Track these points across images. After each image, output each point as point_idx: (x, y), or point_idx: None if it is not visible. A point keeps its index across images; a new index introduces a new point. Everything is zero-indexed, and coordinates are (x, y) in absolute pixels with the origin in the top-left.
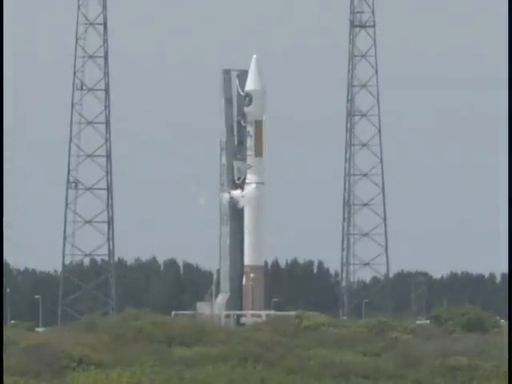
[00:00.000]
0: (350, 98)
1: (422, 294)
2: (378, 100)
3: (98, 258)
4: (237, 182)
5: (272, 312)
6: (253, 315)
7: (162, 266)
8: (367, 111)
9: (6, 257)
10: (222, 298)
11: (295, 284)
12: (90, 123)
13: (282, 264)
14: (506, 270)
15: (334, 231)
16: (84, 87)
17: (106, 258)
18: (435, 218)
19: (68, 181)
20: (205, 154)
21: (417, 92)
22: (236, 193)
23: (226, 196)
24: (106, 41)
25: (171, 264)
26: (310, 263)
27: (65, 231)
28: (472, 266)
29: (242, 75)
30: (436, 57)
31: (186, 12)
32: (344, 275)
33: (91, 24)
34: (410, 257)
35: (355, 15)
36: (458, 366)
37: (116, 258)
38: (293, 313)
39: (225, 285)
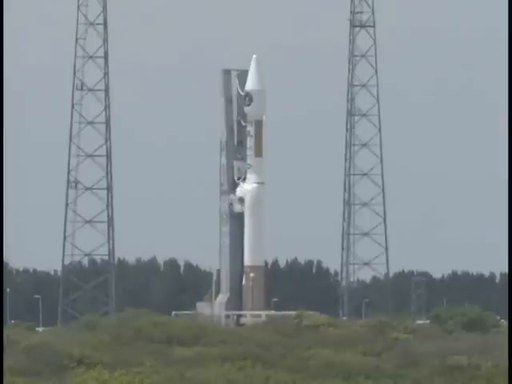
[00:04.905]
0: (349, 97)
1: (421, 293)
2: (377, 100)
3: (98, 258)
4: (237, 182)
5: (272, 312)
6: (253, 315)
7: (162, 266)
8: (367, 111)
9: (6, 257)
10: (221, 298)
11: (295, 284)
12: (90, 123)
13: (282, 264)
14: (506, 269)
15: (334, 231)
16: (84, 87)
17: (106, 258)
18: (435, 218)
19: (68, 181)
20: (205, 154)
21: (417, 92)
22: (238, 191)
23: (230, 197)
24: (105, 41)
25: (171, 264)
26: (310, 263)
27: (65, 231)
28: (472, 266)
29: (242, 75)
30: (436, 56)
31: (186, 12)
32: (344, 275)
33: (91, 24)
34: (409, 257)
35: (355, 15)
36: (458, 366)
37: (116, 258)
38: (293, 313)
39: (225, 285)
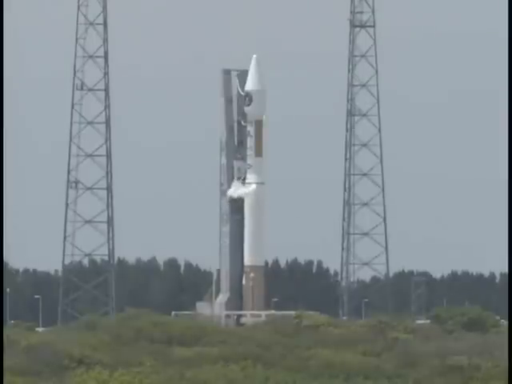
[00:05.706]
0: (350, 97)
1: (421, 293)
2: (377, 100)
3: (98, 258)
4: (237, 182)
5: (272, 312)
6: (253, 315)
7: (162, 266)
8: (367, 111)
9: (6, 257)
10: (221, 298)
11: (295, 284)
12: (89, 123)
13: (282, 264)
14: (506, 269)
15: (334, 231)
16: (84, 87)
17: (106, 258)
18: (435, 218)
19: (68, 181)
20: (205, 154)
21: (417, 92)
22: (239, 190)
23: (229, 194)
24: (105, 41)
25: (171, 264)
26: (310, 263)
27: (65, 231)
28: (472, 266)
29: (242, 75)
30: (436, 56)
31: (186, 12)
32: (344, 275)
33: (91, 24)
34: (410, 257)
35: (355, 15)
36: (458, 365)
37: (116, 258)
38: (293, 313)
39: (225, 285)
